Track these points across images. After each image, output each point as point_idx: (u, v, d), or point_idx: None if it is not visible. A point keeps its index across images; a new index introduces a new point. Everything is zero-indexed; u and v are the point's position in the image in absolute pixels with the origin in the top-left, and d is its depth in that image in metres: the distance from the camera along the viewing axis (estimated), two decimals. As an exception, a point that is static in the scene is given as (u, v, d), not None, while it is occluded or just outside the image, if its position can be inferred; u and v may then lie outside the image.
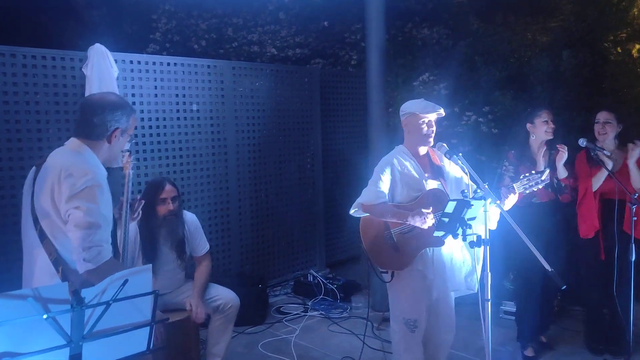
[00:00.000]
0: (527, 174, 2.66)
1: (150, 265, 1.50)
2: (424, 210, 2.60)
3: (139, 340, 1.53)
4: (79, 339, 1.38)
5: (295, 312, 4.57)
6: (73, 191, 1.86)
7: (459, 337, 3.59)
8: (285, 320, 4.40)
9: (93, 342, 1.42)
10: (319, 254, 5.62)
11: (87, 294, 1.38)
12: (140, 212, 2.62)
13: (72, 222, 1.85)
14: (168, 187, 3.21)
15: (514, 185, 2.65)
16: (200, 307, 3.14)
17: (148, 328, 1.52)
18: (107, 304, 1.40)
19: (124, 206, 2.35)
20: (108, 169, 2.13)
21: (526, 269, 3.48)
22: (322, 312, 4.53)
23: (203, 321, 3.18)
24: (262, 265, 5.14)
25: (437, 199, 2.74)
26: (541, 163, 3.39)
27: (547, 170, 2.68)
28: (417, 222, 2.60)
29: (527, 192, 2.66)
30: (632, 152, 3.28)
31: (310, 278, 5.01)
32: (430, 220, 2.59)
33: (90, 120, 2.00)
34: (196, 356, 3.25)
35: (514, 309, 4.24)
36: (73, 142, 2.04)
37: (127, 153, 2.53)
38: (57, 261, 1.94)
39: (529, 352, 3.56)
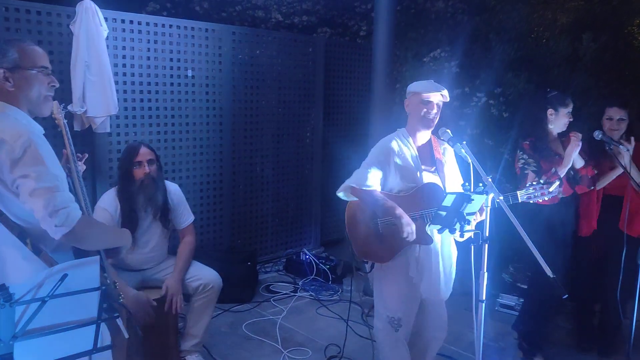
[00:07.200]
0: (534, 183, 2.45)
1: (97, 257, 1.31)
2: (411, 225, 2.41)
3: (85, 338, 1.36)
4: (9, 338, 1.21)
5: (285, 292, 4.43)
6: (13, 159, 1.64)
7: (450, 329, 3.42)
8: (273, 300, 4.26)
9: (28, 341, 1.25)
10: (314, 231, 5.45)
11: (19, 289, 1.20)
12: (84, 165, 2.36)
13: (26, 193, 1.65)
14: (143, 149, 3.04)
15: (517, 193, 2.43)
16: (177, 295, 2.99)
17: (94, 326, 1.35)
18: (43, 301, 1.22)
19: (70, 159, 2.11)
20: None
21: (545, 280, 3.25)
22: (312, 294, 4.38)
23: (181, 308, 3.04)
24: (255, 240, 4.98)
25: (432, 195, 2.52)
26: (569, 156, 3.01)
27: (557, 182, 2.44)
28: (402, 224, 2.40)
29: (531, 202, 2.46)
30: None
31: (303, 257, 4.86)
32: (411, 235, 2.40)
33: None
34: (174, 336, 3.11)
35: (511, 303, 4.10)
36: None
37: (55, 102, 2.25)
38: (22, 234, 1.76)
39: (539, 358, 3.40)
